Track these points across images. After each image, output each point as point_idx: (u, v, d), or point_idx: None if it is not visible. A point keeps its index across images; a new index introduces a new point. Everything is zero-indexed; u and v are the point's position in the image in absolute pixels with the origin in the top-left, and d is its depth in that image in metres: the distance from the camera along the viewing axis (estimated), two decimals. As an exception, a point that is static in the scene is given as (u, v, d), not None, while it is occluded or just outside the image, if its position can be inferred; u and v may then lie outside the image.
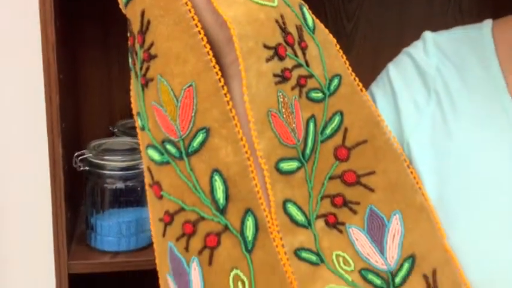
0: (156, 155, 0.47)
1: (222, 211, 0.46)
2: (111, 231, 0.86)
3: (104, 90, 1.06)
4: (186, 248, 0.46)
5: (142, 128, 0.48)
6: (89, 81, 1.05)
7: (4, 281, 1.12)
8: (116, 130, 1.01)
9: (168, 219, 0.47)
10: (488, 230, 0.44)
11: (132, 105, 0.51)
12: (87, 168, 0.85)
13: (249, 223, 0.46)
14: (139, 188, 0.88)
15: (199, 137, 0.45)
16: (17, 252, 1.10)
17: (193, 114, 0.45)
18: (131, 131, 0.96)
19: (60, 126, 0.78)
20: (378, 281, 0.46)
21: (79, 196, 0.96)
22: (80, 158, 0.85)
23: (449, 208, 0.46)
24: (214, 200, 0.45)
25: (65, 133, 0.82)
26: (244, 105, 0.45)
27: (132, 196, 0.90)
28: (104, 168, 0.85)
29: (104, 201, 0.87)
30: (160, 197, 0.47)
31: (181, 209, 0.46)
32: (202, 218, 0.46)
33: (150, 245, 0.90)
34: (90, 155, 0.85)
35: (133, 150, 0.87)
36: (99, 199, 0.87)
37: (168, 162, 0.46)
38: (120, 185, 0.86)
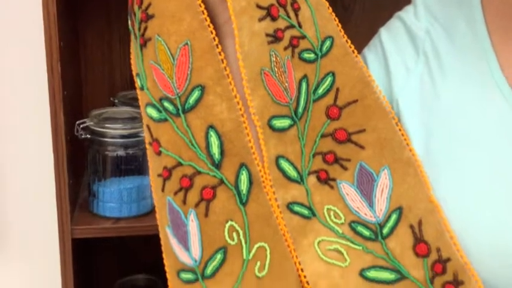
0: (154, 113, 0.49)
1: (217, 165, 0.48)
2: (113, 197, 0.88)
3: (106, 61, 1.07)
4: (184, 201, 0.48)
5: (142, 88, 0.50)
6: (91, 51, 1.07)
7: (8, 247, 1.15)
8: (116, 101, 1.03)
9: (167, 174, 0.49)
10: (471, 183, 0.46)
11: (132, 67, 0.52)
12: (88, 136, 0.87)
13: (243, 177, 0.48)
14: (140, 156, 0.90)
15: (195, 94, 0.47)
16: (21, 219, 1.13)
17: (189, 72, 0.47)
18: (132, 102, 0.98)
19: (62, 94, 0.80)
20: (366, 233, 0.48)
21: (81, 164, 0.98)
22: (81, 126, 0.87)
23: (435, 162, 0.48)
24: (210, 155, 0.47)
25: (66, 101, 0.84)
26: (237, 63, 0.46)
27: (133, 164, 0.92)
28: (105, 136, 0.87)
29: (106, 168, 0.89)
30: (159, 153, 0.49)
31: (179, 164, 0.48)
32: (199, 172, 0.48)
33: (151, 211, 0.93)
34: (92, 123, 0.87)
35: (134, 119, 0.89)
36: (100, 166, 0.89)
37: (165, 119, 0.48)
38: (121, 152, 0.88)
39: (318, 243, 0.49)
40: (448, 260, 0.44)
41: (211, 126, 0.47)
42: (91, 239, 0.91)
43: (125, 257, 1.18)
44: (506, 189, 0.45)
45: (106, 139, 0.87)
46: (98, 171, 0.90)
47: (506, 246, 0.43)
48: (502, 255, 0.43)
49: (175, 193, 0.49)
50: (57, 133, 0.83)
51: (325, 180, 0.50)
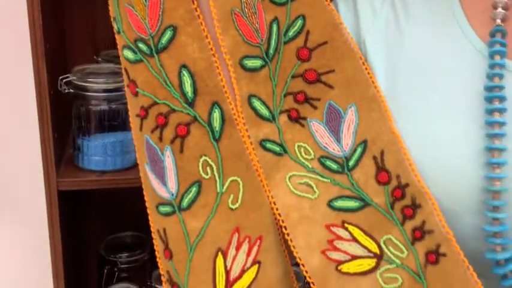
0: (130, 54, 0.51)
1: (191, 104, 0.50)
2: (97, 151, 0.91)
3: (88, 17, 1.08)
4: (160, 138, 0.51)
5: (118, 31, 0.52)
6: (73, 4, 1.07)
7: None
8: (100, 59, 1.04)
9: (144, 113, 0.51)
10: (430, 116, 0.49)
11: (110, 13, 0.54)
12: (71, 90, 0.89)
13: (216, 115, 0.51)
14: (123, 111, 0.92)
15: (167, 35, 0.49)
16: (8, 174, 1.15)
17: (160, 12, 0.48)
18: (115, 60, 0.99)
19: (44, 47, 0.82)
20: (334, 166, 0.51)
21: (68, 122, 1.00)
22: (64, 81, 0.88)
23: (397, 97, 0.51)
24: (183, 94, 0.50)
25: (49, 55, 0.85)
26: (208, 3, 0.48)
27: (116, 120, 0.94)
28: (88, 90, 0.89)
29: (90, 123, 0.91)
30: (136, 94, 0.52)
31: (154, 103, 0.50)
32: (173, 110, 0.50)
33: (135, 165, 0.95)
34: (75, 77, 0.88)
35: (117, 74, 0.90)
36: (84, 121, 0.91)
37: (141, 60, 0.50)
38: (104, 106, 0.90)
39: (289, 178, 0.52)
40: (407, 185, 0.47)
41: (183, 66, 0.49)
42: (77, 191, 0.93)
43: (112, 215, 1.20)
44: (460, 123, 0.47)
45: (89, 93, 0.89)
46: (82, 126, 0.92)
47: (458, 169, 0.46)
48: (455, 178, 0.46)
49: (152, 131, 0.51)
50: (40, 88, 0.85)
51: (296, 118, 0.53)
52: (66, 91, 0.89)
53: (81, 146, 0.91)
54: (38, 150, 0.89)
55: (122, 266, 1.12)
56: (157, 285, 1.08)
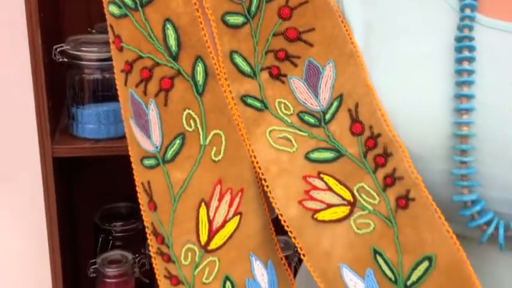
0: (115, 9, 0.52)
1: (175, 57, 0.52)
2: (91, 119, 0.93)
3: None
4: (144, 92, 0.53)
5: None
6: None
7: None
8: (94, 31, 1.06)
9: (128, 67, 0.53)
10: (402, 67, 0.50)
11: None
12: (65, 60, 0.91)
13: (199, 69, 0.52)
14: (116, 81, 0.94)
15: None
16: (3, 142, 1.17)
17: None
18: (109, 31, 1.01)
19: (39, 16, 0.84)
20: (312, 120, 0.53)
21: (63, 93, 1.02)
22: (58, 50, 0.90)
23: (372, 51, 0.52)
24: (167, 47, 0.52)
25: (44, 24, 0.87)
26: None
27: (110, 91, 0.96)
28: (82, 59, 0.91)
29: (84, 92, 0.93)
30: (121, 49, 0.53)
31: (139, 57, 0.52)
32: (157, 64, 0.52)
33: (128, 134, 0.97)
34: (69, 47, 0.90)
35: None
36: (78, 90, 0.93)
37: (125, 15, 0.52)
38: (97, 75, 0.92)
39: (269, 132, 0.54)
40: (379, 135, 0.49)
41: (168, 20, 0.51)
42: (72, 159, 0.96)
43: (107, 186, 1.23)
44: (431, 72, 0.49)
45: (82, 62, 0.91)
46: (77, 95, 0.94)
47: (428, 117, 0.48)
48: (426, 125, 0.48)
49: (137, 85, 0.53)
50: (35, 55, 0.87)
51: (277, 75, 0.54)
52: (60, 60, 0.91)
53: (75, 114, 0.94)
54: (34, 119, 0.91)
55: (117, 234, 1.15)
56: (150, 253, 1.10)
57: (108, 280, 1.07)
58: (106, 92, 0.95)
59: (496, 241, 0.47)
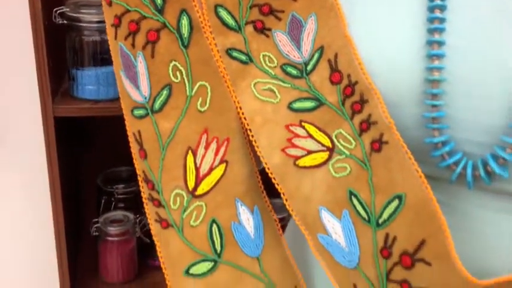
0: None
1: (160, 11, 0.54)
2: (91, 80, 0.95)
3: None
4: (133, 44, 0.55)
5: None
6: None
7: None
8: (95, -4, 1.08)
9: (117, 21, 0.55)
10: (378, 16, 0.52)
11: None
12: (65, 22, 0.93)
13: (184, 22, 0.54)
14: (115, 44, 0.96)
15: None
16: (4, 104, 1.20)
17: None
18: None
19: (37, -22, 0.86)
20: (294, 71, 0.55)
21: (64, 58, 1.04)
22: (58, 12, 0.92)
23: (351, 3, 0.54)
24: (153, 0, 0.54)
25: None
26: None
27: (109, 53, 0.97)
28: (81, 21, 0.93)
29: (83, 53, 0.96)
30: (110, 4, 0.55)
31: (127, 11, 0.54)
32: (144, 17, 0.54)
33: (128, 96, 1.00)
34: (68, 9, 0.92)
35: (108, 7, 0.94)
36: (78, 52, 0.96)
37: None
38: (96, 37, 0.94)
39: (254, 84, 0.56)
40: (356, 83, 0.51)
41: None
42: (73, 120, 0.99)
43: (109, 150, 1.26)
44: (405, 21, 0.51)
45: (82, 24, 0.93)
46: (76, 57, 0.96)
47: (402, 63, 0.49)
48: (400, 72, 0.50)
49: (125, 38, 0.55)
50: (35, 17, 0.89)
51: (261, 29, 0.56)
52: (60, 22, 0.93)
53: (75, 75, 0.96)
54: (35, 80, 0.93)
55: (119, 196, 1.18)
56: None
57: (110, 238, 1.11)
58: (104, 55, 0.98)
59: (465, 180, 0.49)
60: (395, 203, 0.48)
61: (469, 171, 0.48)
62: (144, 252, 1.20)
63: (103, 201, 1.19)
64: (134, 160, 0.59)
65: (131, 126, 0.58)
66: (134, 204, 1.19)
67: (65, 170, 1.06)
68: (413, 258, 0.48)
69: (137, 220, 1.15)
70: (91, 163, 1.27)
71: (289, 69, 0.55)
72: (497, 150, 0.47)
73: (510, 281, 0.47)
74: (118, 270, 1.14)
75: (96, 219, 1.13)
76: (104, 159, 1.25)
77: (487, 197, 0.51)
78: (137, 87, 0.56)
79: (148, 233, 1.17)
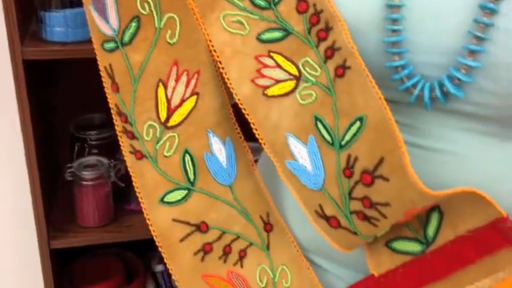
0: None
1: None
2: (59, 21, 0.94)
3: None
4: None
5: None
6: None
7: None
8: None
9: None
10: None
11: None
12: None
13: None
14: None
15: None
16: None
17: None
18: None
19: None
20: (262, 3, 0.55)
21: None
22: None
23: None
24: None
25: None
26: None
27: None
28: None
29: (52, -4, 0.94)
30: None
31: None
32: None
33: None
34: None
35: None
36: (47, -6, 0.94)
37: None
38: (64, -21, 0.93)
39: (223, 17, 0.57)
40: (321, 11, 0.52)
41: None
42: (43, 63, 0.98)
43: (80, 96, 1.25)
44: None
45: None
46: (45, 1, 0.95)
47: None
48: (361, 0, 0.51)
49: None
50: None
51: None
52: (26, -37, 0.91)
53: (43, 17, 0.95)
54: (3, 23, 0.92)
55: (92, 142, 1.19)
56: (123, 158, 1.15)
57: (84, 183, 1.12)
58: (73, -1, 0.97)
59: (423, 102, 0.51)
60: (357, 125, 0.50)
61: (426, 92, 0.50)
62: (120, 197, 1.21)
63: (76, 147, 1.19)
64: (107, 95, 0.60)
65: (102, 61, 0.59)
66: (109, 150, 1.19)
67: (36, 115, 1.06)
68: (372, 176, 0.50)
69: (112, 165, 1.16)
70: (64, 109, 1.26)
71: (257, 1, 0.56)
72: (452, 71, 0.50)
73: (460, 192, 0.50)
74: (94, 214, 1.15)
75: (70, 165, 1.14)
76: (76, 104, 1.25)
77: (444, 117, 0.53)
78: (106, 20, 0.57)
79: (123, 178, 1.19)
